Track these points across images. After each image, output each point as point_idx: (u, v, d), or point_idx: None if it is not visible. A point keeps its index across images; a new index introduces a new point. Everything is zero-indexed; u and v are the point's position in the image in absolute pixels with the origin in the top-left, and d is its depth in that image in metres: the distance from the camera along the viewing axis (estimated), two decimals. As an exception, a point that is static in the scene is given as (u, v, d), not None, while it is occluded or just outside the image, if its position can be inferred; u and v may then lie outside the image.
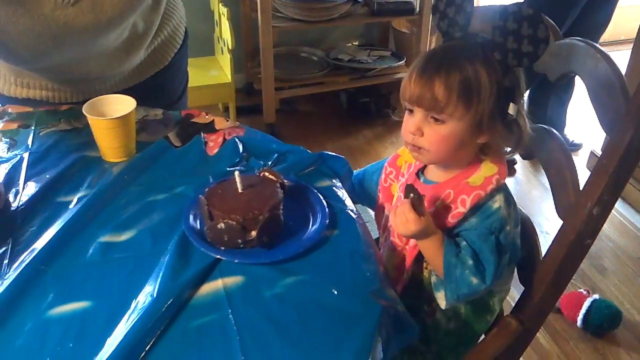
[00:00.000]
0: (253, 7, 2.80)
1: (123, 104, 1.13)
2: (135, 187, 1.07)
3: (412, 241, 1.00)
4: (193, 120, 1.27)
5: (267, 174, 0.99)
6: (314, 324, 0.80)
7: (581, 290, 1.96)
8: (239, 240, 0.90)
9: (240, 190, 0.94)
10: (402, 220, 0.92)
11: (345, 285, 0.86)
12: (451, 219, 0.95)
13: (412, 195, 0.91)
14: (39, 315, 0.80)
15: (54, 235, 0.92)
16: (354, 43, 3.30)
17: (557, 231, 0.92)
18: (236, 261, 0.89)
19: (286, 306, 0.82)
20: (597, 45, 0.88)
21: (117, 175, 1.08)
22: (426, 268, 1.01)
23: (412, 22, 2.98)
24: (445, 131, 0.92)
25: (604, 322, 1.86)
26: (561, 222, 0.92)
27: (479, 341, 1.02)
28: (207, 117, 1.29)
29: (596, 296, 1.92)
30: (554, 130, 1.00)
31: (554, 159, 0.95)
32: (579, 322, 1.88)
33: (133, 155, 1.15)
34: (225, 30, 2.67)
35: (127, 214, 1.00)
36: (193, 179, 1.08)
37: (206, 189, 0.96)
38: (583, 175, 0.87)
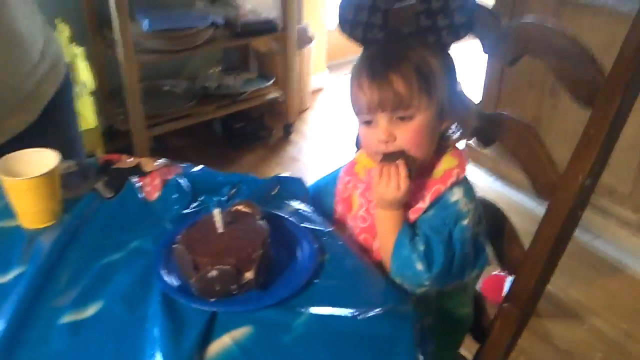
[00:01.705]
0: (108, 44, 2.60)
1: (40, 159, 0.96)
2: (79, 252, 0.90)
3: (377, 243, 0.96)
4: (115, 166, 1.12)
5: (240, 207, 0.89)
6: (350, 359, 0.72)
7: (498, 272, 2.03)
8: (234, 286, 0.80)
9: (220, 231, 0.83)
10: (393, 182, 0.88)
11: (364, 308, 0.78)
12: (411, 215, 0.93)
13: (401, 158, 0.88)
14: None
15: (5, 326, 0.75)
16: (216, 69, 3.19)
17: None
18: (239, 310, 0.78)
19: (313, 347, 0.73)
20: (548, 25, 0.89)
21: (52, 243, 0.91)
22: None
23: (277, 40, 2.95)
24: (416, 125, 0.89)
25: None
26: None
27: (488, 338, 1.00)
28: (129, 160, 1.14)
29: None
30: (508, 114, 1.00)
31: (522, 141, 0.95)
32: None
33: (60, 217, 0.98)
34: (83, 72, 2.44)
35: (84, 283, 0.84)
36: (145, 230, 0.94)
37: (178, 237, 0.83)
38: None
